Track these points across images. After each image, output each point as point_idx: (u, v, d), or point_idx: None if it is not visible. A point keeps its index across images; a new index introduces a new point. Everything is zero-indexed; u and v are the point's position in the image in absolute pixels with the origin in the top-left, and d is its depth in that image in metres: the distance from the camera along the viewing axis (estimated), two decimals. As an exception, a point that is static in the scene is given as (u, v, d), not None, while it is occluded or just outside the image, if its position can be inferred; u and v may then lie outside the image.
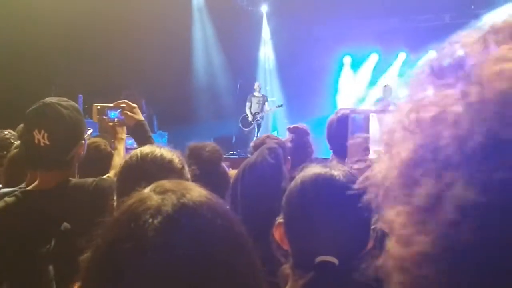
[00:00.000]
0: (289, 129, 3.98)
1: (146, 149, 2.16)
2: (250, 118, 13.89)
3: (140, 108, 3.62)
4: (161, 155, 2.11)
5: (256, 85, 14.49)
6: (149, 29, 13.32)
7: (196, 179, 2.05)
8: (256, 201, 2.77)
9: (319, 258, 1.51)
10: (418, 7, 15.25)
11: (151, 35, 13.44)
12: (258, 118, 13.86)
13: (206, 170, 2.86)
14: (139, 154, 2.12)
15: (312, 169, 1.68)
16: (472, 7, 14.63)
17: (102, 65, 12.65)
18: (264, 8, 16.63)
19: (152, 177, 1.26)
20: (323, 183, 1.61)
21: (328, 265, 1.50)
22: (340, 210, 1.54)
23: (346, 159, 2.93)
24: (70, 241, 2.39)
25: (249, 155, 4.07)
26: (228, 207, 1.23)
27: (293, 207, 1.66)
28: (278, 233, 1.69)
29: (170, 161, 2.10)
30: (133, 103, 3.23)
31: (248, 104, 14.10)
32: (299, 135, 3.81)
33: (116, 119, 3.24)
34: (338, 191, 1.54)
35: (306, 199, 1.61)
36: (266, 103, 14.33)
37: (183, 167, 2.14)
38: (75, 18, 12.31)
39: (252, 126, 13.77)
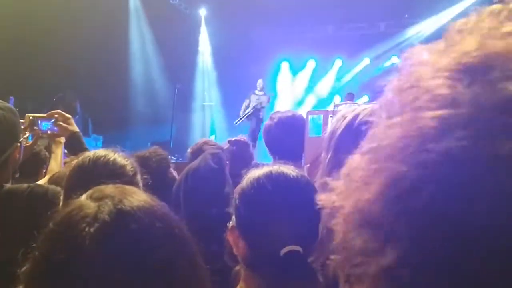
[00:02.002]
0: (229, 141, 3.94)
1: (100, 152, 2.10)
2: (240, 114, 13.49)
3: (74, 110, 3.51)
4: (114, 160, 2.07)
5: (259, 81, 14.16)
6: (84, 30, 13.01)
7: (146, 188, 2.03)
8: (199, 205, 2.74)
9: (286, 249, 1.53)
10: (354, 15, 15.59)
11: (86, 37, 13.13)
12: (244, 115, 13.38)
13: (155, 179, 2.80)
14: (91, 157, 2.06)
15: (261, 169, 1.70)
16: (406, 16, 15.06)
17: (34, 66, 12.28)
18: (202, 12, 16.55)
19: (101, 183, 1.24)
20: (276, 177, 1.64)
21: (293, 255, 1.54)
22: (295, 201, 1.59)
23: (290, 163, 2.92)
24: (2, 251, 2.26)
25: (186, 161, 4.02)
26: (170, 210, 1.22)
27: (248, 206, 1.66)
28: (231, 238, 1.68)
29: (122, 167, 2.06)
30: (66, 105, 3.13)
31: (246, 101, 13.80)
32: (239, 147, 3.78)
33: (48, 131, 3.12)
34: (292, 182, 1.63)
35: (262, 194, 1.63)
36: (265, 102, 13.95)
37: (135, 174, 2.10)
38: (5, 18, 11.89)
39: (238, 120, 13.36)
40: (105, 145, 12.61)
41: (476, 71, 0.44)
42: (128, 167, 2.08)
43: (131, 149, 12.96)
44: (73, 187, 1.92)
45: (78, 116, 12.49)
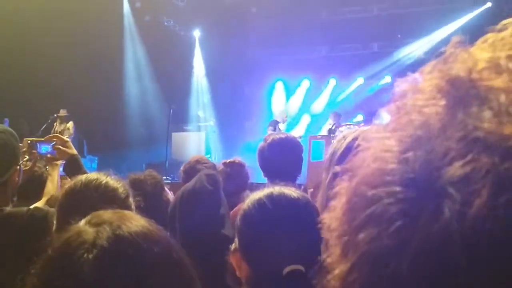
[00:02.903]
0: (224, 164, 3.95)
1: (92, 176, 2.11)
2: None
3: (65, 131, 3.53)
4: (106, 183, 2.07)
5: (283, 114, 13.96)
6: (79, 51, 13.07)
7: (140, 211, 2.04)
8: (195, 226, 2.74)
9: (288, 268, 1.55)
10: (348, 36, 15.72)
11: (81, 58, 13.19)
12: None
13: (150, 202, 2.81)
14: (83, 181, 2.07)
15: (262, 190, 1.72)
16: (399, 36, 15.19)
17: (29, 88, 12.31)
18: (196, 33, 16.64)
19: (93, 206, 1.24)
20: (277, 198, 1.67)
21: (296, 273, 1.56)
22: (296, 221, 1.63)
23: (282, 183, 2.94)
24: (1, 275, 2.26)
25: (179, 180, 4.02)
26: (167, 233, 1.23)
27: (250, 227, 1.68)
28: (234, 260, 1.70)
29: (114, 190, 2.06)
30: (61, 125, 3.15)
31: (270, 128, 13.57)
32: (234, 169, 3.79)
33: (48, 154, 3.14)
34: (292, 203, 1.67)
35: (264, 215, 1.65)
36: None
37: (127, 197, 2.10)
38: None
39: None
40: (100, 165, 12.63)
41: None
42: (120, 190, 2.08)
43: (126, 170, 12.95)
44: (65, 210, 1.94)
45: (72, 136, 12.50)
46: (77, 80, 13.19)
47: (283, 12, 14.84)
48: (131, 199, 2.13)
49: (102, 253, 1.02)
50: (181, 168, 4.14)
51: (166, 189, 3.64)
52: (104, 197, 1.97)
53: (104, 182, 2.07)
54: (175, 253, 1.13)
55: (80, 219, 1.14)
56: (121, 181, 2.15)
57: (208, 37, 16.50)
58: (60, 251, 1.06)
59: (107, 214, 1.14)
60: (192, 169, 3.47)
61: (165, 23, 15.67)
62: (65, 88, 13.03)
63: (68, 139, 3.15)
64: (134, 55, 15.40)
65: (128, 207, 2.02)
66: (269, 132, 13.18)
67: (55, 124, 12.77)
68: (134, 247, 1.05)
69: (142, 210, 1.90)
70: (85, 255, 1.01)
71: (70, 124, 12.82)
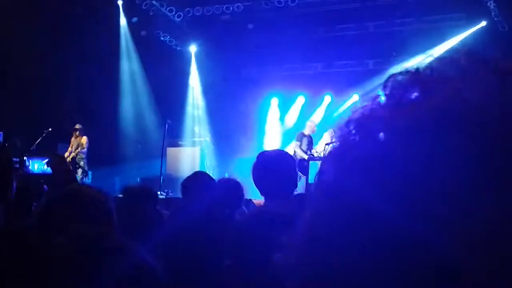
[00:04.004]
0: (219, 181, 3.92)
1: (73, 187, 2.08)
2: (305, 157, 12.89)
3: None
4: (86, 196, 2.04)
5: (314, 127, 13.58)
6: (74, 65, 13.07)
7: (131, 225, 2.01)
8: (188, 244, 2.71)
9: None
10: (343, 53, 15.82)
11: (76, 72, 13.20)
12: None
13: (142, 216, 2.79)
14: (64, 193, 2.03)
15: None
16: (394, 54, 15.27)
17: (23, 101, 12.27)
18: (192, 49, 16.67)
19: (74, 219, 1.23)
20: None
21: None
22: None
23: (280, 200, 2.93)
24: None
25: (177, 195, 3.99)
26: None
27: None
28: None
29: (95, 204, 2.03)
30: (76, 139, 3.12)
31: (297, 143, 13.18)
32: (229, 186, 3.75)
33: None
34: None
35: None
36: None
37: (108, 212, 2.07)
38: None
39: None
40: (94, 179, 12.58)
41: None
42: (101, 205, 2.05)
43: (120, 184, 12.85)
44: (46, 223, 1.91)
45: (85, 151, 12.67)
46: (72, 94, 13.18)
47: (279, 29, 14.92)
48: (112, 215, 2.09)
49: None
50: (181, 183, 4.07)
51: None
52: (85, 211, 1.94)
53: (85, 194, 2.04)
54: None
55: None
56: (103, 195, 2.11)
57: (204, 53, 16.55)
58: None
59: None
60: (192, 184, 3.44)
61: (162, 38, 15.71)
62: (60, 102, 13.03)
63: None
64: (130, 70, 15.41)
65: (110, 223, 1.98)
66: (295, 147, 12.94)
67: (72, 138, 12.84)
68: None
69: (136, 225, 1.87)
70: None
71: (84, 139, 12.87)
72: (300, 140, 13.07)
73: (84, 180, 12.55)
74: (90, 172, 12.95)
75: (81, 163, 12.62)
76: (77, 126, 12.84)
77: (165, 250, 2.60)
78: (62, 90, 12.94)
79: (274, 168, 3.14)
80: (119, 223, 2.61)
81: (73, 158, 12.64)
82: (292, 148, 12.83)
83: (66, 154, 12.55)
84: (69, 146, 12.89)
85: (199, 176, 3.51)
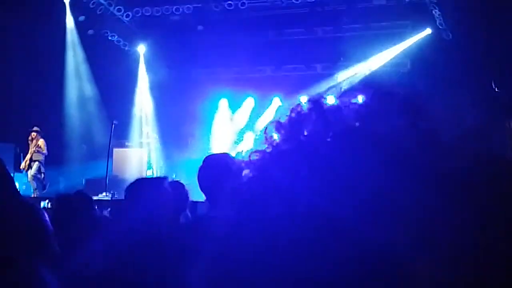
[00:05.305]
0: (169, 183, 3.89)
1: None
2: None
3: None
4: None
5: None
6: (19, 65, 12.77)
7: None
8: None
9: None
10: (292, 57, 15.98)
11: (21, 71, 12.88)
12: None
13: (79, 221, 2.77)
14: None
15: None
16: (342, 59, 15.53)
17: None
18: (141, 49, 16.45)
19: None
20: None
21: None
22: None
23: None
24: None
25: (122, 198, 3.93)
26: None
27: None
28: None
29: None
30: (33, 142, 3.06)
31: None
32: (175, 188, 3.72)
33: None
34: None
35: None
36: None
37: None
38: None
39: None
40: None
41: None
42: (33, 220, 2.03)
43: (65, 185, 12.60)
44: None
45: (46, 154, 12.85)
46: (17, 94, 12.86)
47: (229, 31, 14.94)
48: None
49: None
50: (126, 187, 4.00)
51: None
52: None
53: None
54: None
55: None
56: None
57: (153, 53, 16.39)
58: None
59: None
60: (135, 189, 3.39)
61: (109, 38, 15.48)
62: (3, 103, 12.70)
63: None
64: (76, 69, 15.08)
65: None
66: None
67: (29, 141, 12.64)
68: None
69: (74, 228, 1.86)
70: None
71: (42, 142, 12.71)
72: None
73: (40, 177, 12.49)
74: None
75: (36, 163, 12.53)
76: (35, 128, 12.65)
77: (106, 255, 2.57)
78: (4, 90, 12.59)
79: (220, 172, 3.13)
80: (58, 232, 2.58)
81: (30, 158, 12.55)
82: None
83: (27, 157, 12.51)
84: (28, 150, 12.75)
85: (141, 183, 3.43)
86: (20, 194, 2.85)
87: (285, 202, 0.67)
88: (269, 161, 0.76)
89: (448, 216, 0.61)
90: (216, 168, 3.12)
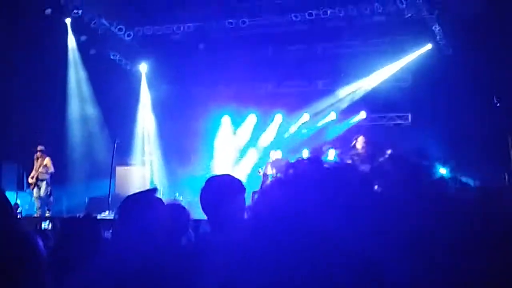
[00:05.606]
0: (167, 206, 3.85)
1: None
2: None
3: None
4: None
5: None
6: (21, 85, 12.81)
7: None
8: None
9: None
10: (293, 74, 16.06)
11: (23, 91, 12.93)
12: None
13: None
14: None
15: None
16: (342, 75, 15.59)
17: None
18: (143, 68, 16.51)
19: None
20: None
21: None
22: None
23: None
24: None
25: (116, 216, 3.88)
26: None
27: None
28: None
29: None
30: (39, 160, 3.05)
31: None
32: (175, 210, 3.69)
33: None
34: None
35: None
36: None
37: None
38: None
39: None
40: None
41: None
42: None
43: (67, 204, 12.52)
44: None
45: (53, 172, 12.75)
46: (19, 114, 12.90)
47: (230, 49, 15.02)
48: None
49: None
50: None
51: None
52: None
53: None
54: None
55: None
56: None
57: (155, 72, 16.47)
58: None
59: None
60: (130, 208, 3.36)
61: (111, 57, 15.56)
62: (6, 123, 12.73)
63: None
64: (78, 88, 15.11)
65: None
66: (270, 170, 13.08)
67: (35, 160, 12.64)
68: None
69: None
70: None
71: (48, 160, 12.70)
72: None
73: (48, 196, 12.45)
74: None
75: (44, 182, 12.53)
76: (40, 148, 12.66)
77: (103, 278, 2.56)
78: (8, 111, 12.64)
79: (222, 195, 3.11)
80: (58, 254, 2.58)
81: (37, 177, 12.52)
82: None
83: (32, 174, 12.47)
84: (32, 169, 12.71)
85: (129, 202, 3.37)
86: (17, 222, 2.85)
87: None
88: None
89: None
90: (218, 190, 3.10)
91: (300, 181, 0.98)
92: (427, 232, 0.85)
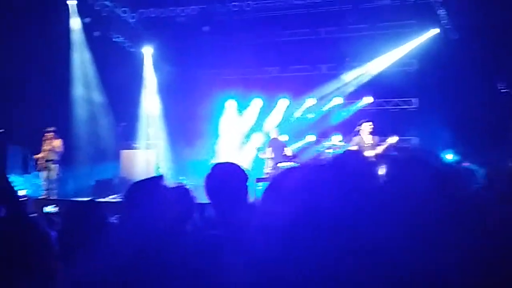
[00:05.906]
0: (173, 189, 3.85)
1: None
2: None
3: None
4: None
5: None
6: (26, 67, 12.76)
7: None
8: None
9: None
10: (298, 58, 15.98)
11: (27, 74, 12.88)
12: None
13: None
14: None
15: None
16: (347, 59, 15.51)
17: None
18: (146, 50, 16.42)
19: None
20: None
21: None
22: None
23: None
24: None
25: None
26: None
27: None
28: None
29: None
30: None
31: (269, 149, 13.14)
32: (180, 193, 3.69)
33: None
34: None
35: None
36: None
37: None
38: None
39: None
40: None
41: None
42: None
43: (74, 187, 12.54)
44: None
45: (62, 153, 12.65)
46: (23, 96, 12.86)
47: (234, 32, 14.95)
48: None
49: None
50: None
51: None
52: None
53: None
54: None
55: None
56: None
57: (159, 54, 16.40)
58: None
59: None
60: (140, 191, 3.35)
61: (115, 39, 15.49)
62: (10, 106, 12.71)
63: None
64: (82, 71, 15.07)
65: None
66: (269, 153, 12.87)
67: (44, 140, 12.58)
68: None
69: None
70: None
71: (58, 142, 12.63)
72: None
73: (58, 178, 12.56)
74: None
75: (55, 165, 12.47)
76: (51, 128, 12.60)
77: (108, 262, 2.55)
78: (12, 91, 12.61)
79: (225, 180, 3.14)
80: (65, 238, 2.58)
81: (45, 158, 12.45)
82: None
83: (41, 155, 12.38)
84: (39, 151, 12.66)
85: (136, 188, 3.37)
86: (25, 210, 2.85)
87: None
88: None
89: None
90: (222, 178, 3.12)
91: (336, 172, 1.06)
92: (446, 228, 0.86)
